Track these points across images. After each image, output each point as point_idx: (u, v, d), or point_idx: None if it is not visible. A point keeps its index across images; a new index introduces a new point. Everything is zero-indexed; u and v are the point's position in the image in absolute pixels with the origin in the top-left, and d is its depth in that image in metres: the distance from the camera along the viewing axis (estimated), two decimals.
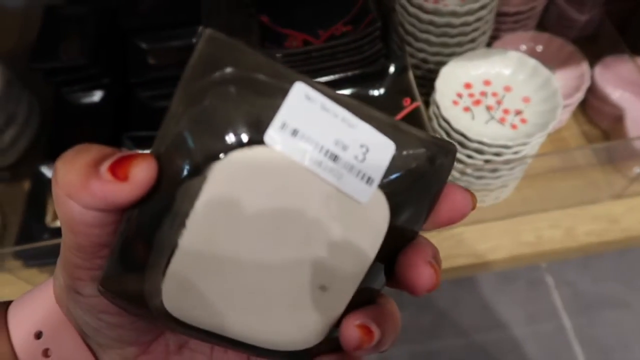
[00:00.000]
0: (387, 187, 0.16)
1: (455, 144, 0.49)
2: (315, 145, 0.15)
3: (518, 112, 0.50)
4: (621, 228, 0.57)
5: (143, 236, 0.15)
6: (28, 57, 0.58)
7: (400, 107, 0.54)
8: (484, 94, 0.52)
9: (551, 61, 0.61)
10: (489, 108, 0.51)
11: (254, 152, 0.15)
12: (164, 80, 0.61)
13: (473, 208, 0.18)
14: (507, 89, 0.52)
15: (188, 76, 0.15)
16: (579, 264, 1.03)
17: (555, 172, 0.58)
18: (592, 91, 0.60)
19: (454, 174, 0.52)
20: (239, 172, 0.15)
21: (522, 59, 0.51)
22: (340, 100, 0.16)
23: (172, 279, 0.15)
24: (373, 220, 0.16)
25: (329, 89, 0.16)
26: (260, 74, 0.15)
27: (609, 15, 0.65)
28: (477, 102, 0.51)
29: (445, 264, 0.56)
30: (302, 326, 0.17)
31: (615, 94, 0.60)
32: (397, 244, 0.17)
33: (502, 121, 0.50)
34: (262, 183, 0.15)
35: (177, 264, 0.15)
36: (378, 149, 0.16)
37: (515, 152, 0.48)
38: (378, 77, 0.57)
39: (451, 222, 0.18)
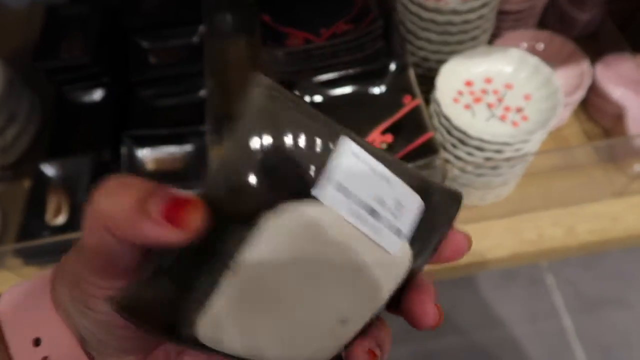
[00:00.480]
0: (410, 235, 0.18)
1: (456, 141, 0.49)
2: (359, 202, 0.17)
3: (519, 110, 0.50)
4: (622, 227, 0.57)
5: (182, 270, 0.16)
6: (31, 56, 0.58)
7: (401, 105, 0.54)
8: (484, 91, 0.52)
9: (552, 59, 0.61)
10: (489, 105, 0.51)
11: (303, 206, 0.16)
12: (164, 79, 0.61)
13: (469, 249, 0.21)
14: (508, 86, 0.52)
15: (243, 127, 0.15)
16: (580, 262, 1.02)
17: (556, 170, 0.58)
18: (593, 89, 0.60)
19: (455, 172, 0.52)
20: (288, 223, 0.16)
21: (524, 56, 0.51)
22: (377, 155, 0.17)
23: (210, 314, 0.17)
24: (397, 267, 0.18)
25: (367, 143, 0.17)
26: (309, 130, 0.16)
27: (610, 14, 0.65)
28: (478, 100, 0.51)
29: (446, 263, 0.56)
30: (317, 350, 0.19)
31: (616, 92, 0.60)
32: (407, 281, 0.20)
33: (503, 119, 0.50)
34: (307, 234, 0.16)
35: (217, 302, 0.16)
36: (409, 205, 0.18)
37: (516, 150, 0.48)
38: (379, 75, 0.57)
39: (451, 260, 0.21)
